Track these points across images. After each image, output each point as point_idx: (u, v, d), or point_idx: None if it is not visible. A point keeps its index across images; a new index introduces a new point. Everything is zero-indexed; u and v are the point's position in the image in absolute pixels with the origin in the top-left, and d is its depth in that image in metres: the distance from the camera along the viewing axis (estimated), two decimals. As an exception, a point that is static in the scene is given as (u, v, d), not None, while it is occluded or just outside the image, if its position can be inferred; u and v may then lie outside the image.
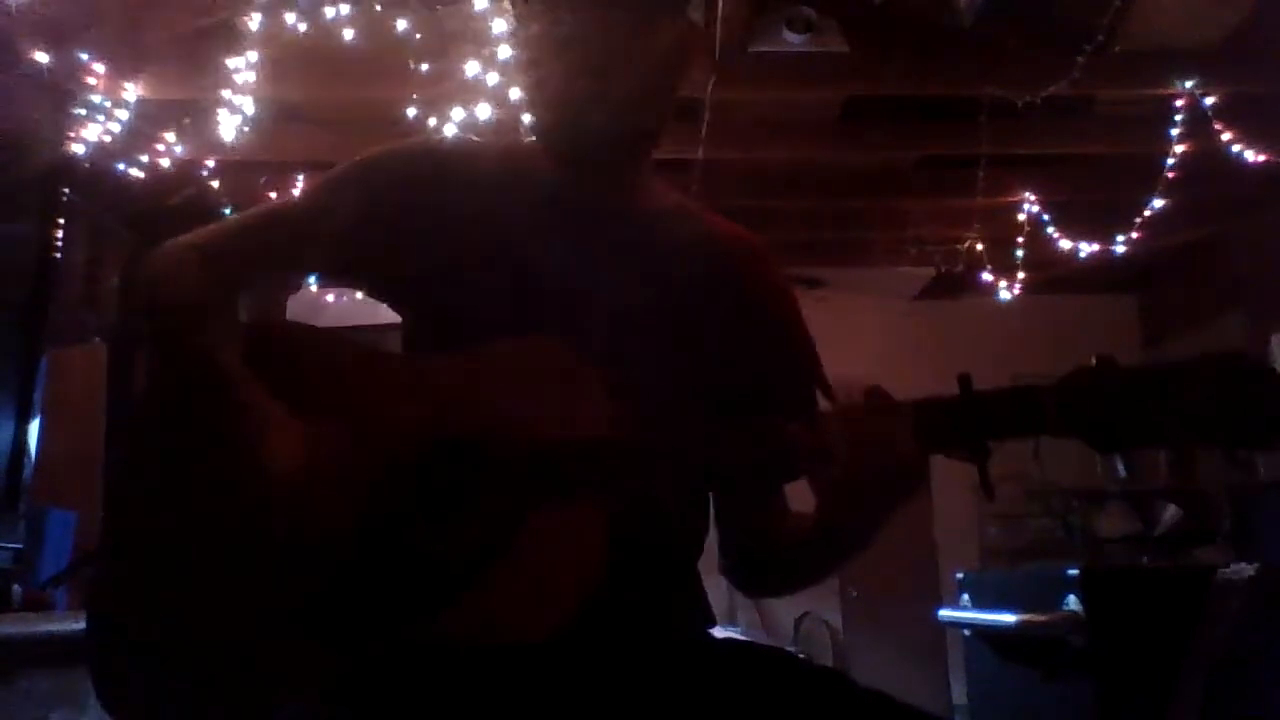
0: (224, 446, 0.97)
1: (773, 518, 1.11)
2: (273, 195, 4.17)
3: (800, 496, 1.05)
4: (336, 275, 1.24)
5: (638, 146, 1.12)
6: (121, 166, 3.82)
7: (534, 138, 1.14)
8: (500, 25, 3.39)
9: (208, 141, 3.79)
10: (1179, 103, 3.94)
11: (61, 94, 3.47)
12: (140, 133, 3.73)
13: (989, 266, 5.32)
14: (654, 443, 0.93)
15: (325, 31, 3.37)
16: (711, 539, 1.13)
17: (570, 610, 0.87)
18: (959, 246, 5.25)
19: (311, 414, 0.97)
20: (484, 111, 3.52)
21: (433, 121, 3.60)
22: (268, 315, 1.15)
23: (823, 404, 0.97)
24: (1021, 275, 5.29)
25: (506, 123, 3.53)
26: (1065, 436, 0.87)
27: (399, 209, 1.07)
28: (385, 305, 1.16)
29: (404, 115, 3.56)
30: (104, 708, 0.97)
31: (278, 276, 1.21)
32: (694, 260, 1.10)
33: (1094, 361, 0.88)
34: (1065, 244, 4.95)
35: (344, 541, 0.92)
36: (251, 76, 3.51)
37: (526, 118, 1.18)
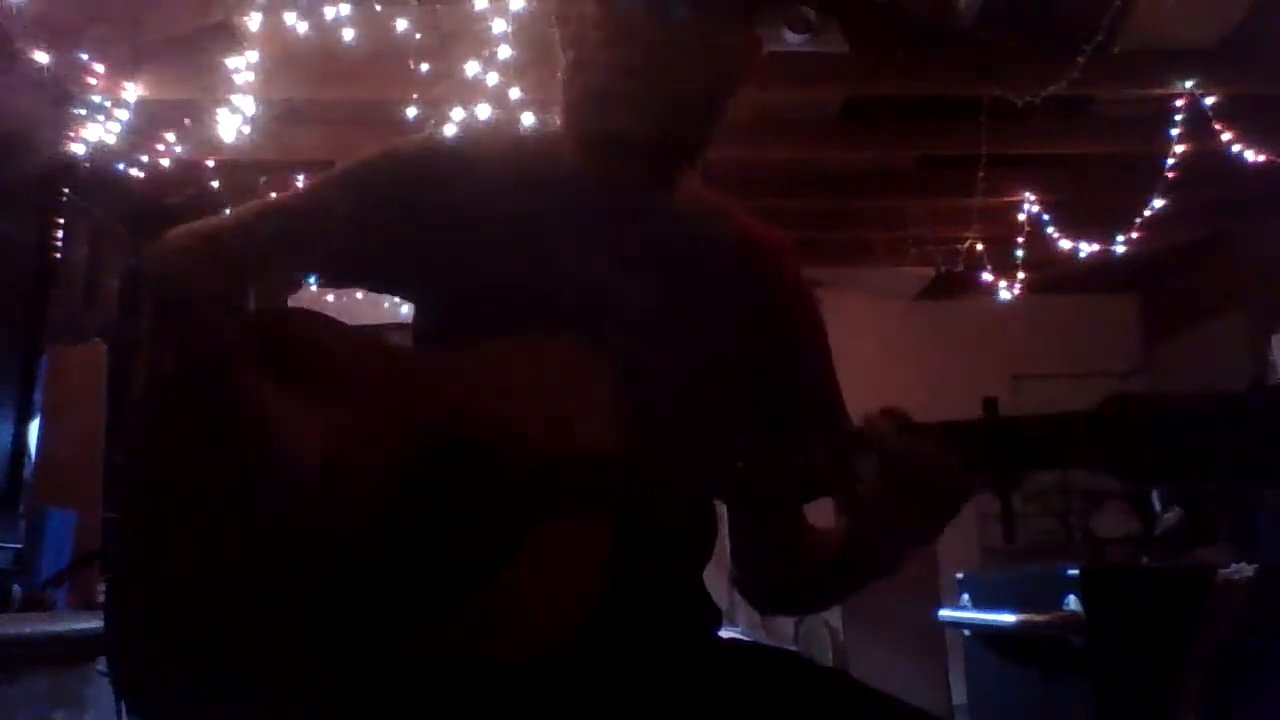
0: (230, 441, 0.96)
1: (793, 534, 1.06)
2: (273, 195, 4.17)
3: (819, 512, 1.01)
4: (342, 272, 1.19)
5: (676, 154, 1.08)
6: (121, 166, 3.82)
7: (564, 125, 1.09)
8: (500, 25, 3.40)
9: (208, 141, 3.79)
10: (1179, 103, 3.94)
11: (61, 94, 3.47)
12: (140, 133, 3.73)
13: (989, 266, 5.32)
14: (665, 456, 0.90)
15: (325, 31, 3.37)
16: (721, 544, 1.10)
17: (574, 622, 0.85)
18: (959, 246, 5.25)
19: (321, 405, 0.96)
20: (484, 111, 3.52)
21: (433, 121, 3.59)
22: (281, 305, 1.12)
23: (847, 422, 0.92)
24: (1021, 275, 5.29)
25: (506, 123, 3.53)
26: (1098, 468, 0.82)
27: (411, 203, 1.03)
28: (386, 305, 1.15)
29: (404, 115, 3.56)
30: (122, 695, 0.97)
31: (284, 269, 1.17)
32: (720, 265, 1.07)
33: (1122, 392, 0.82)
34: (1065, 244, 4.95)
35: (347, 540, 0.92)
36: (251, 76, 3.51)
37: (561, 105, 1.09)
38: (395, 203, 1.04)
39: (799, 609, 1.15)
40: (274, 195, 1.13)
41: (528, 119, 3.59)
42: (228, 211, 1.14)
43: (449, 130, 3.55)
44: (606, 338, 0.94)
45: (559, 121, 1.11)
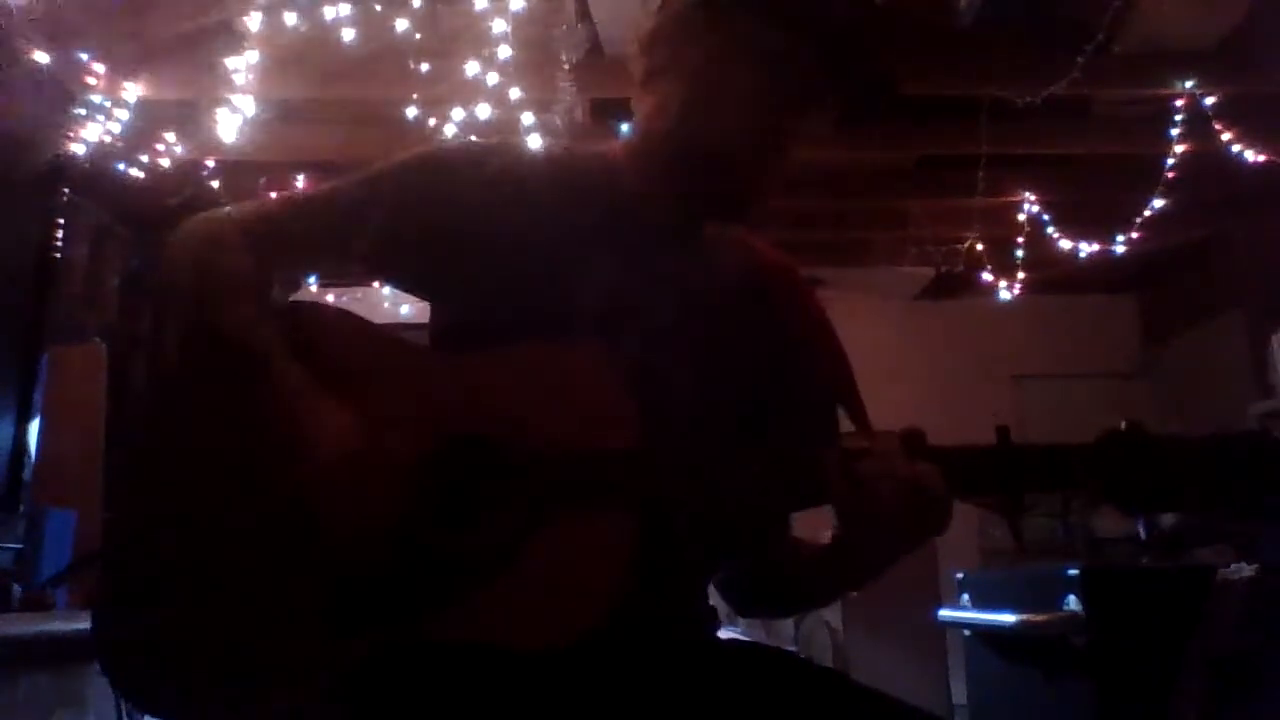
0: (253, 424, 0.96)
1: (782, 542, 1.11)
2: (273, 195, 4.17)
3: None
4: (375, 268, 1.20)
5: (740, 212, 1.10)
6: (121, 166, 3.82)
7: (637, 150, 1.10)
8: (500, 25, 3.40)
9: (208, 141, 3.79)
10: (1179, 103, 3.94)
11: (61, 94, 3.47)
12: (140, 133, 3.73)
13: (989, 266, 5.32)
14: (677, 455, 0.93)
15: (325, 31, 3.37)
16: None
17: (584, 618, 0.87)
18: (959, 246, 5.25)
19: (344, 398, 0.96)
20: (484, 111, 3.52)
21: (433, 121, 3.59)
22: (304, 298, 1.13)
23: (858, 439, 0.97)
24: (1021, 275, 5.29)
25: (506, 123, 3.53)
26: (1094, 495, 0.90)
27: (449, 207, 1.04)
28: (386, 305, 1.15)
29: (404, 115, 3.56)
30: (114, 687, 0.96)
31: (317, 261, 1.18)
32: (741, 285, 1.10)
33: (1123, 426, 0.89)
34: (1065, 244, 4.95)
35: (366, 532, 0.92)
36: (251, 76, 3.51)
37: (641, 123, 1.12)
38: (433, 205, 1.04)
39: (778, 612, 1.21)
40: (313, 187, 1.12)
41: (528, 119, 3.59)
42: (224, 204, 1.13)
43: (449, 130, 3.55)
44: (624, 344, 0.96)
45: (624, 138, 1.12)
